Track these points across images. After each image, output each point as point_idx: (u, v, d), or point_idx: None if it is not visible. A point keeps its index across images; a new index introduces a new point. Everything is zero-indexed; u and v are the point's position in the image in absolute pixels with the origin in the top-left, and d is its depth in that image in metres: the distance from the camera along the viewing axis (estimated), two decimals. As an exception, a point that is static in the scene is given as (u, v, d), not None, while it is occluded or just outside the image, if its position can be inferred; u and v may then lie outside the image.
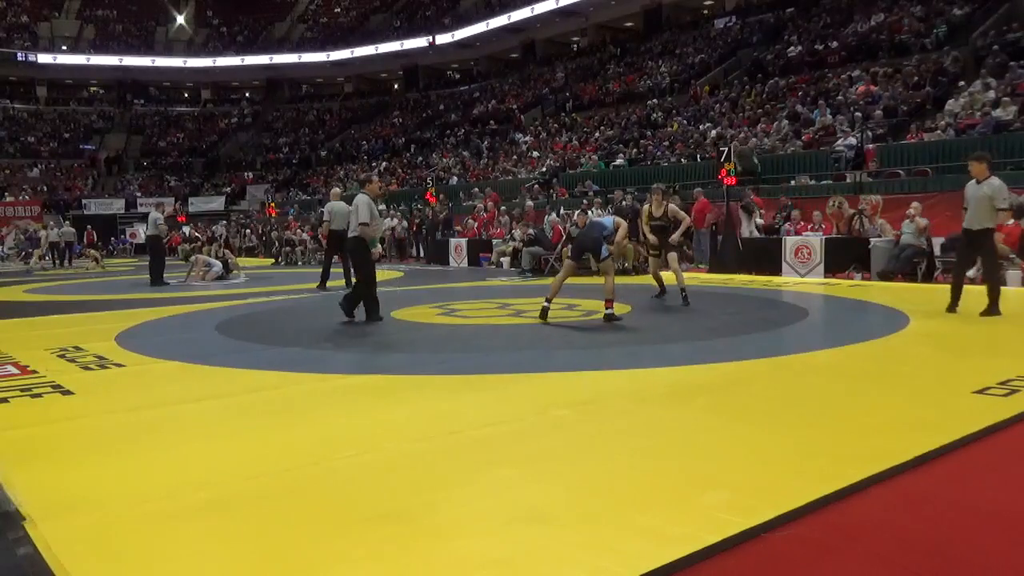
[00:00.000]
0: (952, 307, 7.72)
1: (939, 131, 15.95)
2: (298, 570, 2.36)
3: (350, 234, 8.24)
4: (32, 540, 2.59)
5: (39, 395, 4.92)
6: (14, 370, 5.79)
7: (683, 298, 8.74)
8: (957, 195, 12.24)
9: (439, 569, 2.33)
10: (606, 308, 7.59)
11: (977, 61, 18.41)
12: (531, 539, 2.51)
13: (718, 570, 2.32)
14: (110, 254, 31.98)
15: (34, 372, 5.69)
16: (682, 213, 8.90)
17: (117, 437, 3.98)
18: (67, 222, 28.33)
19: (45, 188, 40.53)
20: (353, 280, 12.55)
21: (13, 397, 4.86)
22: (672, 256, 8.93)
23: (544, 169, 25.60)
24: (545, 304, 7.84)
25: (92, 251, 24.11)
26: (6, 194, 37.83)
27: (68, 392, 4.98)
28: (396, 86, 49.27)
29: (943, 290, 9.57)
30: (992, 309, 7.49)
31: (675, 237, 8.82)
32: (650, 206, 8.79)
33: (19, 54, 44.17)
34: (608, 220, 7.99)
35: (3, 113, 44.96)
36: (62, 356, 6.40)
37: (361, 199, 8.16)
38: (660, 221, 8.81)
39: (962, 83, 17.54)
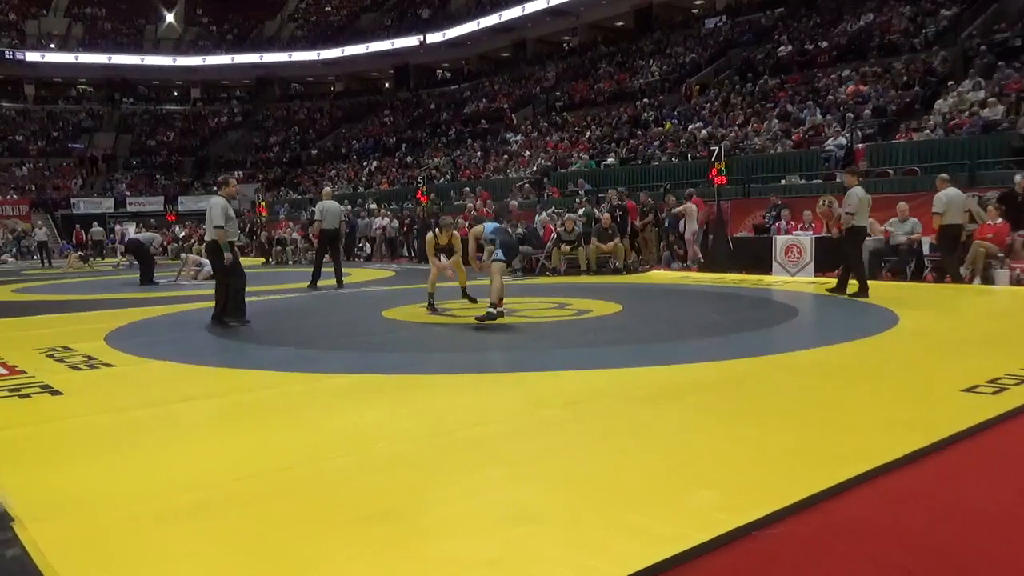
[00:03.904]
0: (839, 289, 9.34)
1: (928, 131, 16.05)
2: (289, 571, 2.36)
3: (206, 238, 8.04)
4: (20, 542, 2.57)
5: (28, 395, 4.88)
6: (2, 370, 5.75)
7: (463, 292, 9.60)
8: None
9: (430, 569, 2.33)
10: (497, 307, 7.39)
11: (966, 61, 18.53)
12: (521, 539, 2.51)
13: (708, 569, 2.33)
14: (99, 253, 31.74)
15: (23, 372, 5.65)
16: (460, 244, 9.48)
17: (107, 438, 3.96)
18: (95, 223, 28.53)
19: (33, 187, 40.22)
20: (341, 278, 12.69)
21: (1, 397, 4.82)
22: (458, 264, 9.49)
23: (535, 168, 25.60)
24: (498, 310, 7.40)
25: (77, 252, 23.92)
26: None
27: (57, 392, 4.95)
28: (387, 85, 49.12)
29: (932, 289, 9.66)
30: (841, 288, 9.37)
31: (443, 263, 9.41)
32: (438, 236, 9.23)
33: (6, 52, 43.77)
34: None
35: (-9, 112, 44.64)
36: (51, 356, 6.35)
37: (217, 201, 7.98)
38: (444, 247, 9.34)
39: (951, 83, 17.65)
